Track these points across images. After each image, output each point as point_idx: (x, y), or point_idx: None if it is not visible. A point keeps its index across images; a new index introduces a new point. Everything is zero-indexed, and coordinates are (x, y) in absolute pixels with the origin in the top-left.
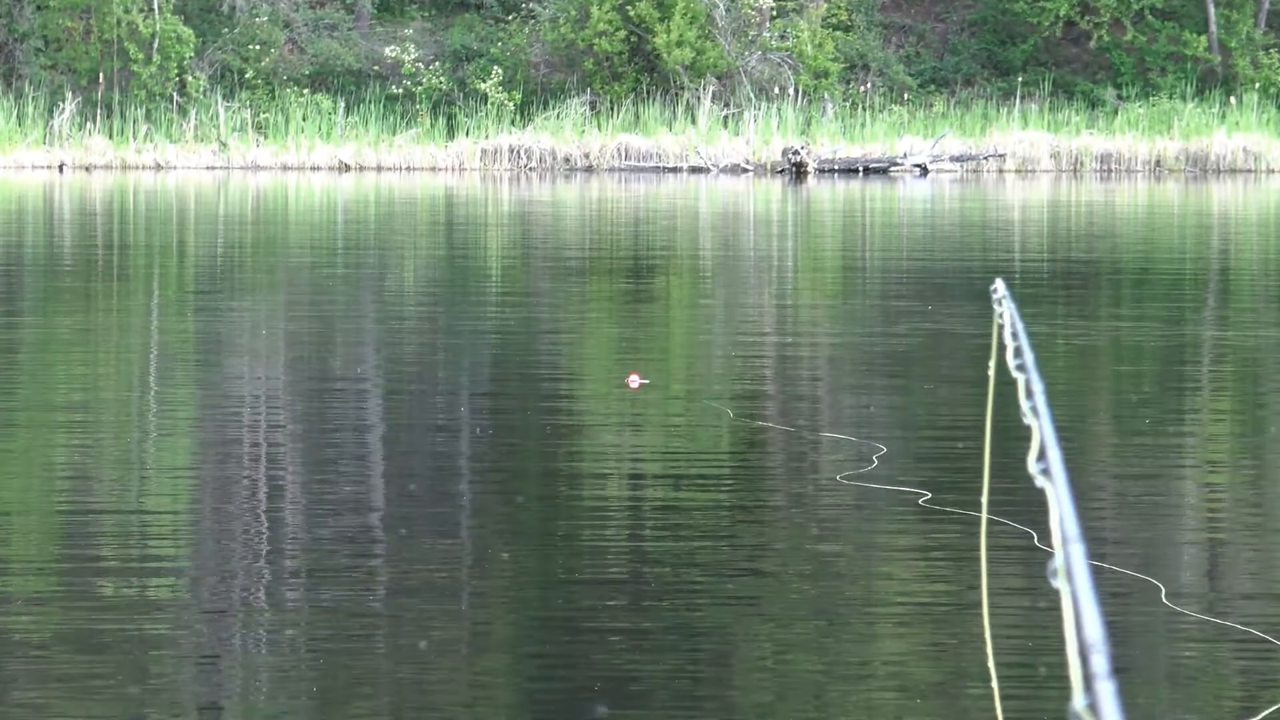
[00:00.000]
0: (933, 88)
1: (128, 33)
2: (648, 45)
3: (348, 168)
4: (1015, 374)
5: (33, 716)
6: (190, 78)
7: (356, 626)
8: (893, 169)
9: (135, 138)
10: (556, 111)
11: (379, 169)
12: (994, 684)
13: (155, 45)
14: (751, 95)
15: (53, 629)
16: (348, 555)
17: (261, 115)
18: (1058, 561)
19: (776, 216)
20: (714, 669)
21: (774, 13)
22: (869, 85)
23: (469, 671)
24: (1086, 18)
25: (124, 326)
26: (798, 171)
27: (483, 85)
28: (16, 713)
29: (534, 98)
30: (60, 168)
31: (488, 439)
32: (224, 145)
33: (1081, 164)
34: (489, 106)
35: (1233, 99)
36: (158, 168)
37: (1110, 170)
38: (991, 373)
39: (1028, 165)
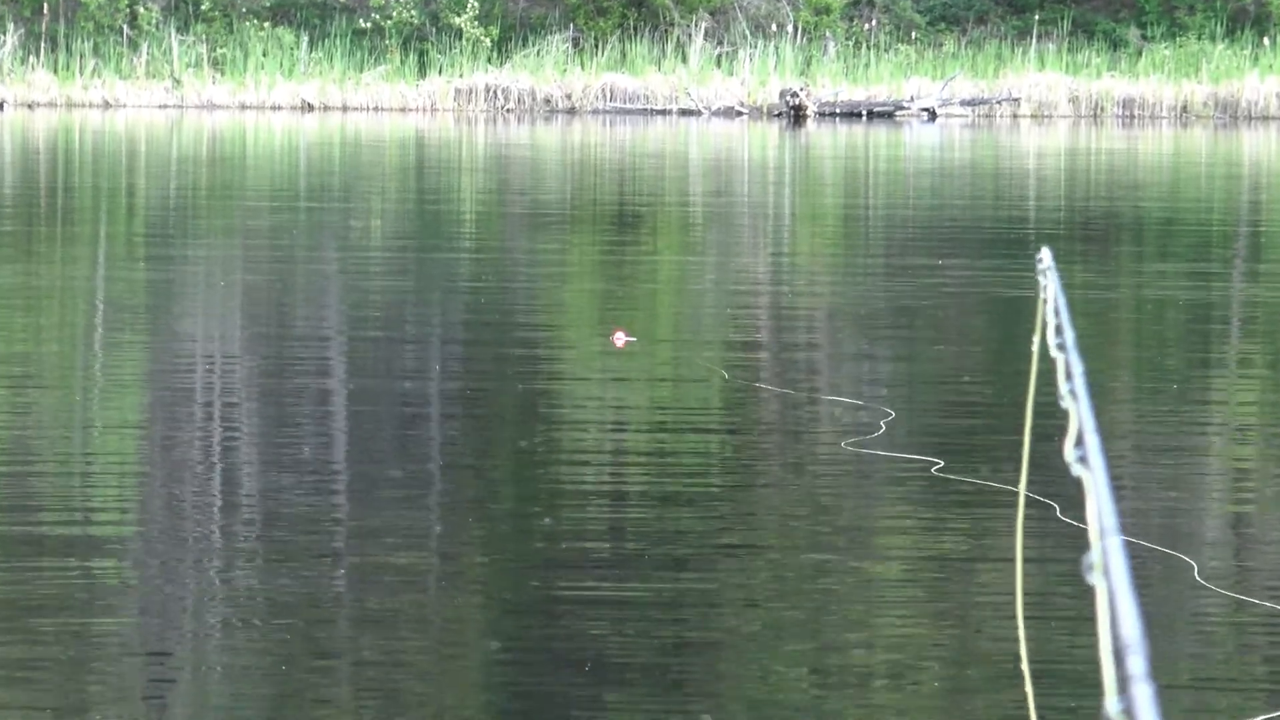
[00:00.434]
0: (942, 25)
1: None
2: None
3: (311, 107)
4: (1055, 354)
5: None
6: (142, 9)
7: (319, 596)
8: (899, 113)
9: (82, 73)
10: (536, 49)
11: (345, 109)
12: (1025, 672)
13: None
14: (747, 32)
15: None
16: (308, 519)
17: (218, 50)
18: (1094, 556)
19: (773, 163)
20: (700, 646)
21: None
22: (874, 22)
23: (438, 648)
24: None
25: (68, 276)
26: (796, 115)
27: (457, 20)
28: None
29: (512, 33)
30: (0, 105)
31: (460, 401)
32: (178, 82)
33: (1102, 109)
34: (464, 42)
35: (1266, 40)
36: (106, 106)
37: (1133, 116)
38: (1035, 348)
39: (1044, 110)
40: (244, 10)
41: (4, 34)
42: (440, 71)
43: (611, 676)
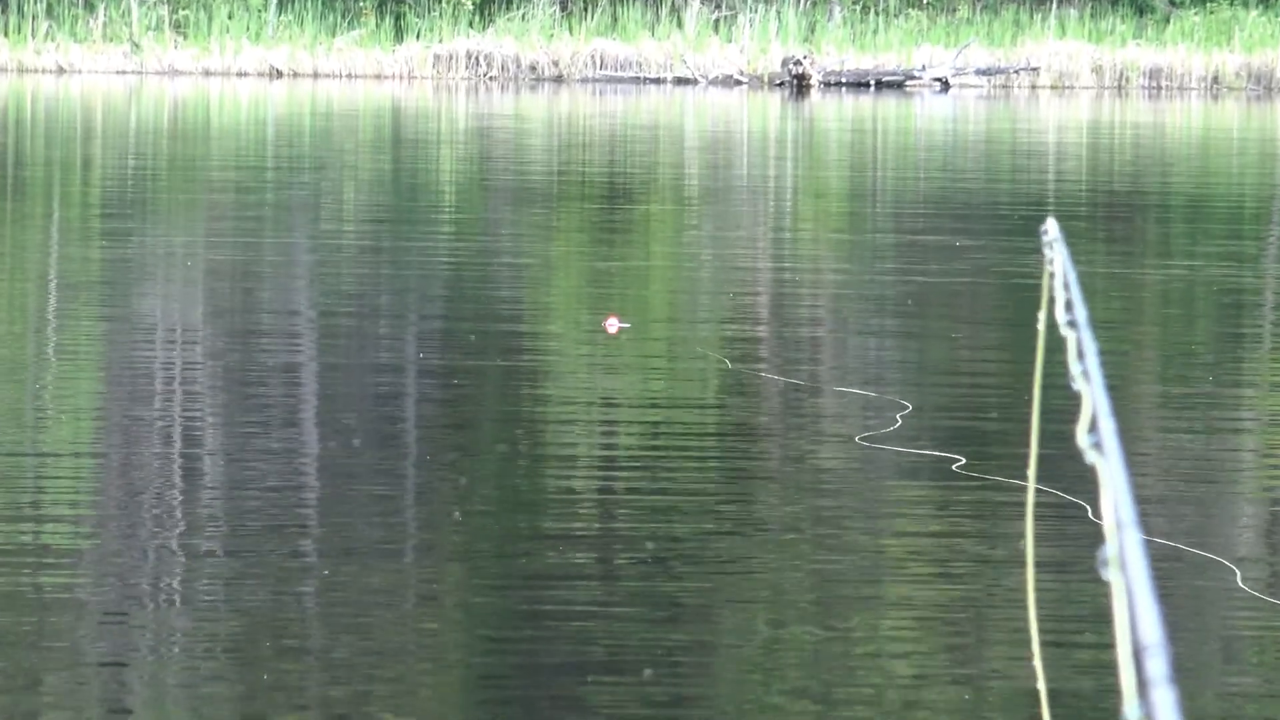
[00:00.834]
0: None
1: None
2: None
3: (280, 74)
4: (1065, 332)
5: None
6: None
7: (287, 603)
8: (909, 83)
9: (34, 36)
10: (521, 12)
11: (315, 76)
12: (1040, 683)
13: None
14: None
15: None
16: (275, 517)
17: (180, 12)
18: (1109, 550)
19: (775, 136)
20: (698, 650)
21: None
22: None
23: (414, 659)
24: None
25: (18, 253)
26: (799, 84)
27: None
28: None
29: None
30: None
31: (438, 392)
32: (136, 46)
33: (1127, 80)
34: (443, 5)
35: None
36: (60, 71)
37: (1160, 87)
38: (1041, 327)
39: (1065, 81)
40: None
41: None
42: (418, 36)
43: (603, 690)
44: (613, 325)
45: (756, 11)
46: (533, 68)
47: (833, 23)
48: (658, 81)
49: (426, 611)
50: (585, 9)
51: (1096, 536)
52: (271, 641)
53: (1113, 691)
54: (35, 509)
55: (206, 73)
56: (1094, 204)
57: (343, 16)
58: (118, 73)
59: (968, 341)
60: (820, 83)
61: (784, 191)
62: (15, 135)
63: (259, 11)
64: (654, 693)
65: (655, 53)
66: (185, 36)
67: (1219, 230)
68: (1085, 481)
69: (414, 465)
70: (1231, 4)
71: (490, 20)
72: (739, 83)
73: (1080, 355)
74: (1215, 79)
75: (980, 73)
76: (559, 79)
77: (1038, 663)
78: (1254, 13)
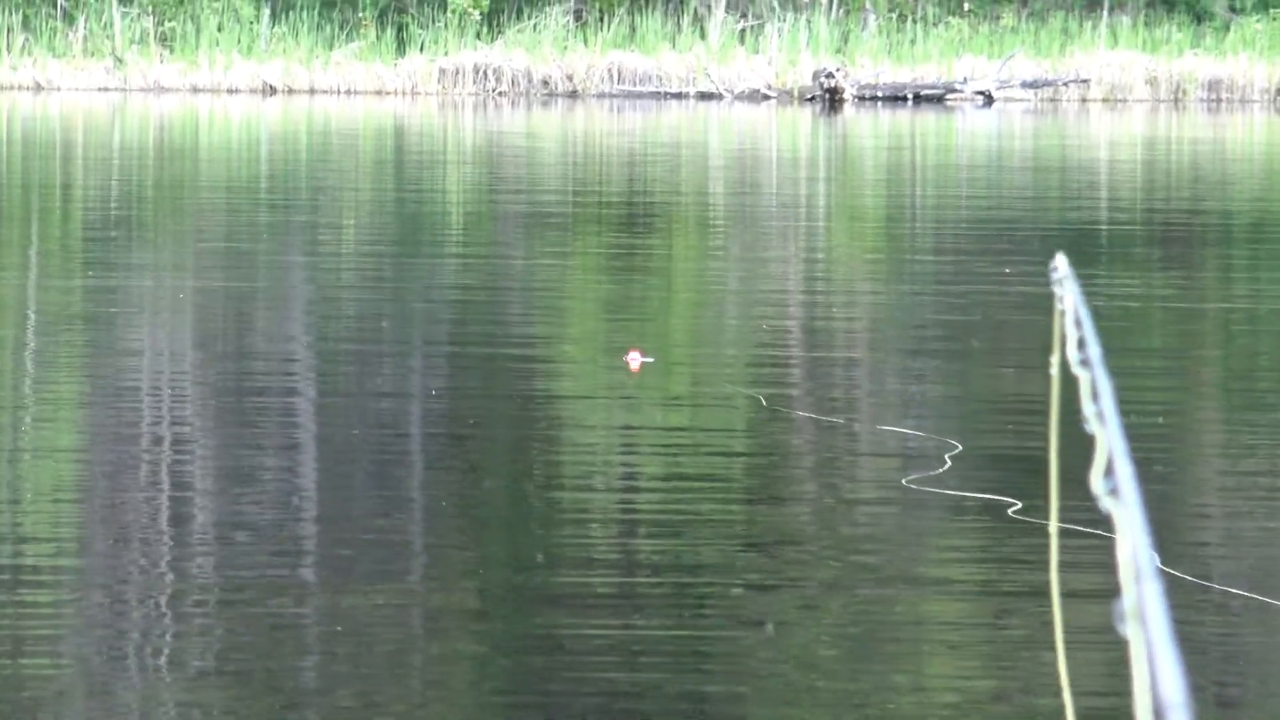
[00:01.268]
0: None
1: None
2: None
3: (273, 90)
4: (1077, 370)
5: None
6: None
7: (285, 647)
8: (950, 97)
9: (9, 51)
10: (533, 22)
11: (312, 92)
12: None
13: None
14: (775, 4)
15: None
16: (272, 558)
17: (166, 24)
18: (1126, 602)
19: (805, 154)
20: (725, 700)
21: None
22: None
23: (422, 698)
24: None
25: None
26: (832, 99)
27: None
28: None
29: (505, 5)
30: None
31: (445, 434)
32: (120, 61)
33: (1184, 92)
34: (449, 15)
35: None
36: (38, 88)
37: (1220, 100)
38: (1054, 370)
39: (1117, 93)
40: None
41: None
42: (422, 49)
43: None
44: (635, 360)
45: (785, 21)
46: (545, 82)
47: (867, 32)
48: (679, 97)
49: (434, 672)
50: (601, 19)
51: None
52: (273, 696)
53: None
54: (15, 550)
55: (195, 89)
56: (1149, 226)
57: (341, 28)
58: (99, 90)
59: (1017, 375)
60: (854, 97)
61: (816, 214)
62: None
63: (251, 23)
64: None
65: (677, 66)
66: (171, 50)
67: None
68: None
69: (420, 512)
70: None
71: (499, 31)
72: (767, 97)
73: (1094, 395)
74: (1279, 91)
75: (1026, 85)
76: (573, 94)
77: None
78: None
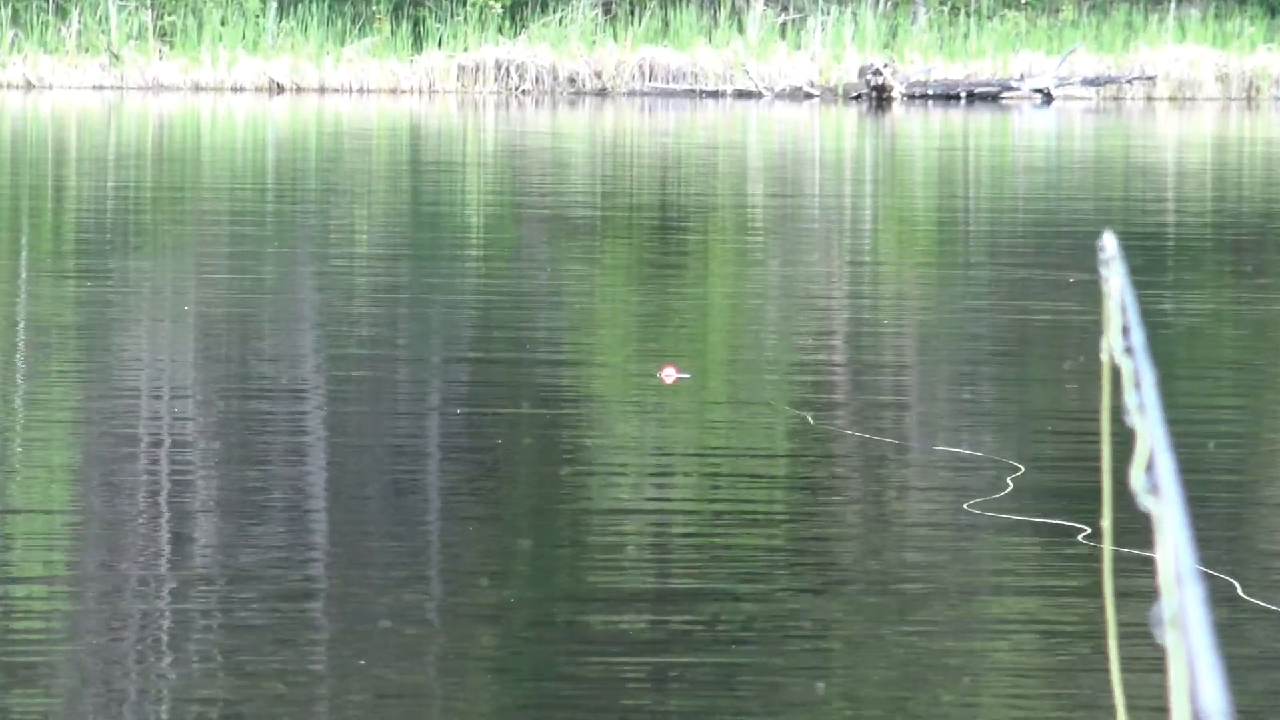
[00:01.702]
0: None
1: None
2: None
3: (281, 88)
4: (1119, 360)
5: None
6: None
7: (294, 677)
8: (1005, 95)
9: (0, 47)
10: (559, 16)
11: (322, 90)
12: None
13: None
14: None
15: None
16: (278, 586)
17: (166, 18)
18: (1166, 607)
19: (851, 155)
20: None
21: None
22: None
23: None
24: None
25: None
26: (879, 97)
27: None
28: None
29: None
30: None
31: (464, 452)
32: (116, 58)
33: (1257, 90)
34: (468, 9)
35: None
36: (29, 86)
37: None
38: (1105, 357)
39: (1185, 91)
40: None
41: None
42: (440, 44)
43: None
44: (670, 376)
45: (829, 14)
46: (572, 80)
47: (917, 26)
48: (716, 95)
49: (451, 690)
50: (632, 13)
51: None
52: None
53: None
54: (3, 571)
55: (196, 87)
56: (1220, 233)
57: (353, 23)
58: (94, 88)
59: (1081, 391)
60: (903, 95)
61: (863, 219)
62: None
63: (256, 17)
64: None
65: (713, 62)
66: (171, 46)
67: None
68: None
69: (439, 530)
70: None
71: (523, 26)
72: (809, 96)
73: (1137, 384)
74: None
75: (1087, 83)
76: (602, 92)
77: None
78: None
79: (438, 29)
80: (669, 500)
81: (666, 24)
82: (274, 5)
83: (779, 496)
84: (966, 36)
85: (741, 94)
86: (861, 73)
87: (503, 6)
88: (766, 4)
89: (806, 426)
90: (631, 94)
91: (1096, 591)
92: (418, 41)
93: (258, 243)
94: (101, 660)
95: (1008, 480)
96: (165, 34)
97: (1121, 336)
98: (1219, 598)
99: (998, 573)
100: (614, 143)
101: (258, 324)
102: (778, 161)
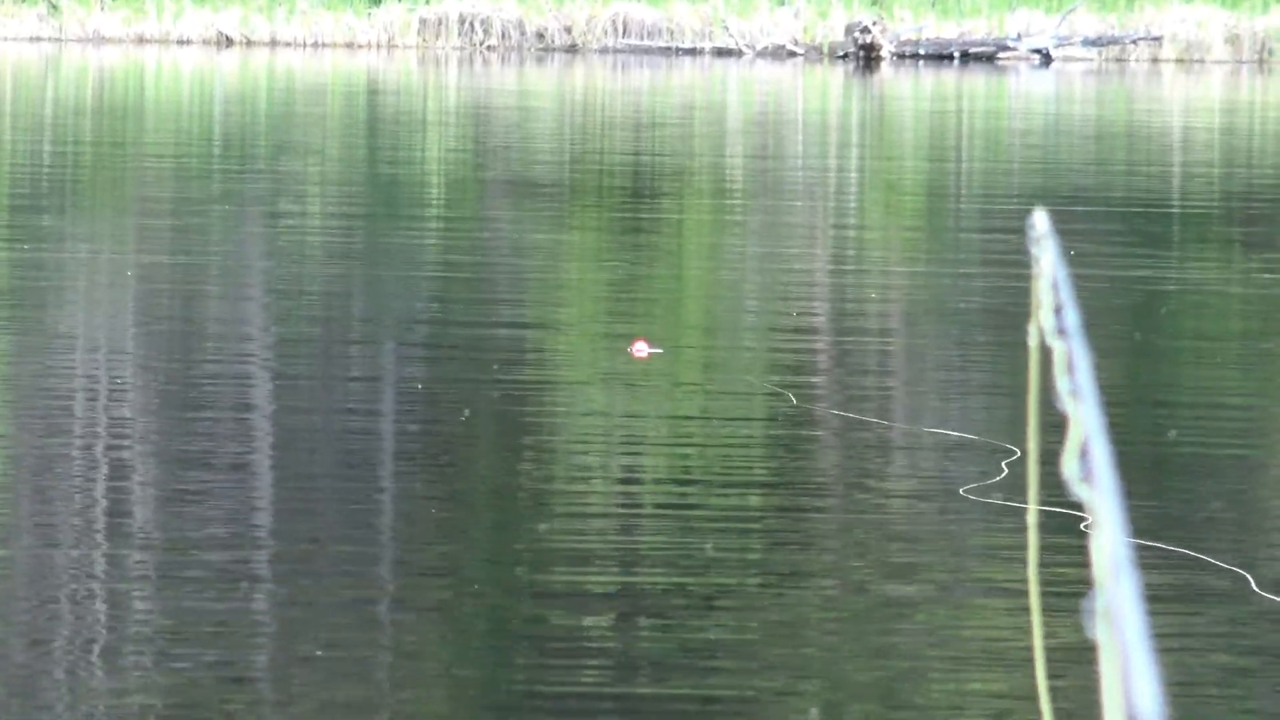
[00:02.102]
0: None
1: None
2: None
3: (230, 41)
4: (1052, 341)
5: None
6: None
7: (230, 674)
8: (1001, 55)
9: None
10: None
11: (273, 44)
12: None
13: None
14: None
15: None
16: (220, 575)
17: None
18: (1098, 601)
19: (837, 119)
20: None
21: None
22: None
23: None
24: None
25: None
26: (867, 56)
27: None
28: None
29: None
30: None
31: (420, 431)
32: (54, 8)
33: (1269, 52)
34: None
35: None
36: None
37: None
38: (1032, 342)
39: (1193, 53)
40: None
41: None
42: None
43: None
44: (641, 351)
45: None
46: (540, 35)
47: None
48: (693, 52)
49: (402, 698)
50: None
51: (1262, 616)
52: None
53: None
54: None
55: (140, 40)
56: (1228, 202)
57: None
58: (31, 39)
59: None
60: (893, 54)
61: (848, 186)
62: None
63: None
64: None
65: (690, 17)
66: None
67: None
68: (1251, 545)
69: (394, 516)
70: None
71: None
72: (793, 54)
73: (1070, 368)
74: None
75: (1089, 43)
76: (572, 49)
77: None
78: None
79: None
80: (636, 484)
81: None
82: None
83: (758, 486)
84: None
85: (721, 52)
86: (848, 30)
87: None
88: None
89: (789, 407)
90: (603, 51)
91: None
92: None
93: (203, 205)
94: (29, 645)
95: (1002, 465)
96: None
97: (1055, 317)
98: (1231, 593)
99: (987, 559)
100: (584, 103)
101: (203, 290)
102: (758, 124)
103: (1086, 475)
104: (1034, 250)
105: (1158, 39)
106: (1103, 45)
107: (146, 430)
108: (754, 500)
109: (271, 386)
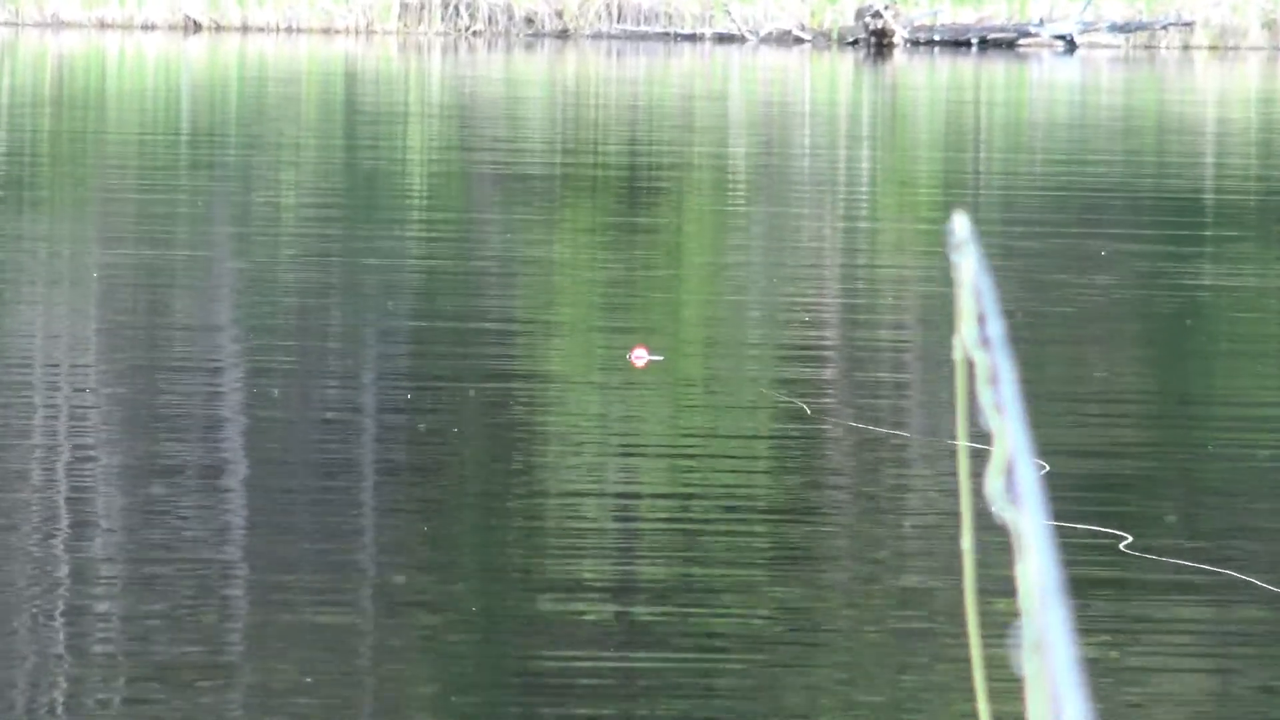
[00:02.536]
0: None
1: None
2: None
3: (198, 26)
4: (975, 354)
5: None
6: None
7: (207, 677)
8: (1023, 42)
9: None
10: None
11: (245, 29)
12: None
13: None
14: None
15: None
16: (193, 595)
17: None
18: (1026, 632)
19: (846, 108)
20: None
21: None
22: None
23: None
24: None
25: None
26: (879, 43)
27: None
28: None
29: None
30: None
31: (403, 439)
32: None
33: None
34: None
35: None
36: None
37: None
38: (959, 355)
39: (1227, 39)
40: None
41: None
42: None
43: None
44: (640, 358)
45: None
46: (529, 20)
47: None
48: (693, 39)
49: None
50: None
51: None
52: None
53: None
54: None
55: (101, 24)
56: (1265, 197)
57: None
58: None
59: (1106, 376)
60: (906, 41)
61: (858, 180)
62: None
63: None
64: None
65: (690, 1)
66: None
67: None
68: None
69: (374, 530)
70: None
71: None
72: (799, 40)
73: (993, 380)
74: None
75: (1115, 29)
76: (563, 34)
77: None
78: None
79: None
80: (633, 501)
81: None
82: None
83: (773, 499)
84: None
85: (722, 38)
86: (859, 15)
87: None
88: None
89: (803, 417)
90: (597, 36)
91: (1153, 601)
92: None
93: (169, 196)
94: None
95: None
96: None
97: (978, 327)
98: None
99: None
100: (577, 92)
101: (170, 290)
102: (763, 115)
103: (1012, 495)
104: (954, 257)
105: (1189, 24)
106: (1131, 31)
107: (111, 436)
108: (760, 542)
109: (242, 393)
